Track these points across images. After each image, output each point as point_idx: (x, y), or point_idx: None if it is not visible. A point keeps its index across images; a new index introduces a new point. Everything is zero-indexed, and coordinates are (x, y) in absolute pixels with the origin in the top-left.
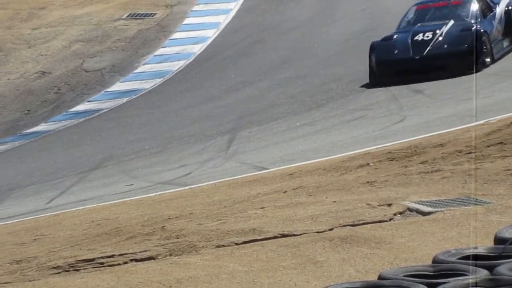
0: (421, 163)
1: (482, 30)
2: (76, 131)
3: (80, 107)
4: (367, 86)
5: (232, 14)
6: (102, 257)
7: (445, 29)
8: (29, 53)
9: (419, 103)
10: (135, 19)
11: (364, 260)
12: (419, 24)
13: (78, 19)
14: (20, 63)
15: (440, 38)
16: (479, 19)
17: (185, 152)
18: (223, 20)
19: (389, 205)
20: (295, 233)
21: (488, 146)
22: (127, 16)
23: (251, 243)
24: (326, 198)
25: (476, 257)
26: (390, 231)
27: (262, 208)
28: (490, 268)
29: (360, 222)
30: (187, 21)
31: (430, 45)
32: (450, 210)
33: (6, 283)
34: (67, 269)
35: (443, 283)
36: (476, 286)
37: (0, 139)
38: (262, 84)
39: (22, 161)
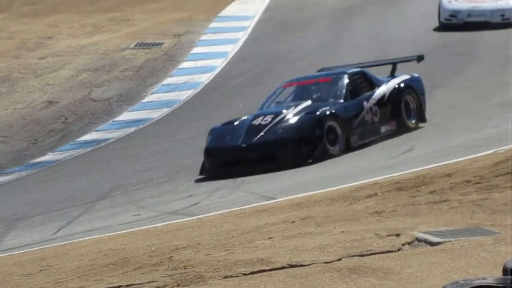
0: (429, 193)
1: (328, 114)
2: (83, 160)
3: (87, 137)
4: None
5: (240, 43)
6: None
7: (291, 111)
8: (36, 82)
9: (427, 133)
10: (143, 48)
11: None
12: (272, 106)
13: (85, 49)
14: (27, 93)
15: (279, 123)
16: (342, 100)
17: (192, 181)
18: (231, 49)
19: (398, 235)
20: (303, 263)
21: (497, 176)
22: (135, 45)
23: (259, 274)
24: (334, 228)
25: (485, 287)
26: (399, 261)
27: (270, 238)
28: None
29: (369, 252)
30: (195, 50)
31: (263, 131)
32: (458, 241)
33: None
34: None
35: None
36: None
37: (7, 169)
38: None
39: (29, 191)
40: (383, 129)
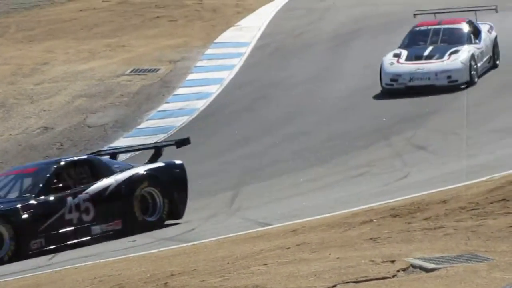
0: (424, 219)
1: None
2: None
3: None
4: (371, 142)
5: (235, 70)
6: None
7: None
8: (32, 108)
9: (422, 159)
10: (138, 74)
11: None
12: None
13: (81, 75)
14: (22, 119)
15: None
16: (33, 195)
17: (188, 207)
18: (227, 75)
19: (393, 261)
20: None
21: (491, 203)
22: (130, 71)
23: None
24: (330, 254)
25: None
26: (394, 287)
27: (265, 264)
28: None
29: (364, 278)
30: (190, 76)
31: None
32: (453, 267)
33: None
34: None
35: None
36: None
37: None
38: (265, 140)
39: None
40: (98, 229)
